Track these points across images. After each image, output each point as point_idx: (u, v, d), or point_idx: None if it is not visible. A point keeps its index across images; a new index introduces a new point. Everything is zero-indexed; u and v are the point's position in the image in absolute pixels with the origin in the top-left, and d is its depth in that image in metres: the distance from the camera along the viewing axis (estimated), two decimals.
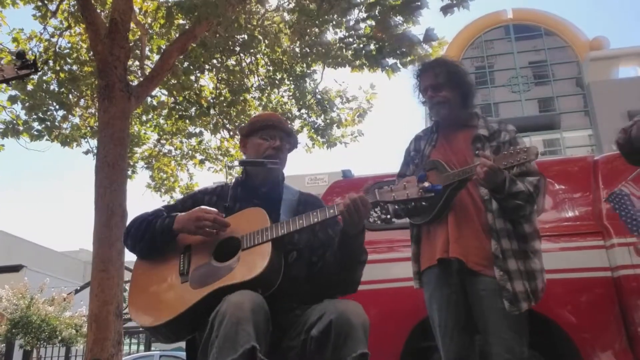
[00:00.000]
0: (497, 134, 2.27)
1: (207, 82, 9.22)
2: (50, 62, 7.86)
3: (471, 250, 2.12)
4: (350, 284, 1.89)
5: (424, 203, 1.75)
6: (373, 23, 7.24)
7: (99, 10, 7.17)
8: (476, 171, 2.04)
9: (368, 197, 1.74)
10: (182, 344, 1.89)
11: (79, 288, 19.49)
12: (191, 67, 8.42)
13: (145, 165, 9.75)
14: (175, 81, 8.21)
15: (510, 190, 2.06)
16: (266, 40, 8.36)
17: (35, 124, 7.94)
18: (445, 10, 6.03)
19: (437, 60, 2.46)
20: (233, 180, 2.12)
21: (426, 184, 1.65)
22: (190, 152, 9.88)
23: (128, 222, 2.04)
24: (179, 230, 1.84)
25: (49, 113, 8.07)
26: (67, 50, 8.28)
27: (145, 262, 1.94)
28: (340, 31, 7.63)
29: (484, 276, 2.09)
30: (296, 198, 2.02)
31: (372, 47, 7.25)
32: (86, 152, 8.85)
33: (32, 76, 1.77)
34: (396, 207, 2.24)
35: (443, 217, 2.21)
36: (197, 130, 9.51)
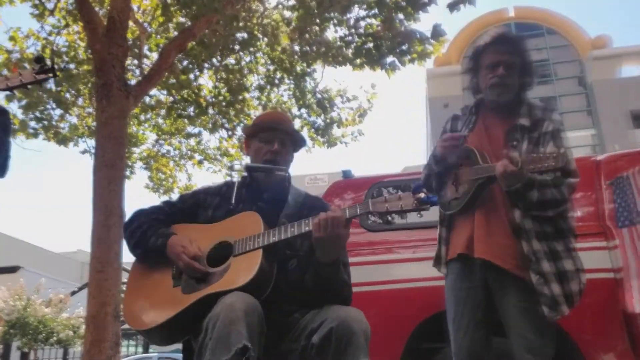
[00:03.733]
0: (540, 123, 2.11)
1: (206, 81, 9.23)
2: (48, 61, 7.82)
3: (500, 249, 2.03)
4: (340, 301, 1.77)
5: (420, 214, 1.70)
6: (374, 21, 7.21)
7: (97, 9, 7.15)
8: (496, 169, 1.95)
9: (360, 208, 1.67)
10: (180, 346, 1.89)
11: (76, 289, 19.51)
12: (190, 66, 8.40)
13: (144, 166, 9.75)
14: (174, 80, 8.19)
15: (522, 194, 1.96)
16: (265, 39, 8.33)
17: (32, 123, 7.93)
18: (452, 6, 5.98)
19: (518, 39, 2.23)
20: (238, 179, 2.08)
21: (421, 195, 1.61)
22: (189, 152, 9.89)
23: (127, 219, 2.02)
24: (168, 254, 1.82)
25: (46, 112, 8.06)
26: (65, 49, 8.27)
27: (140, 265, 1.95)
28: (341, 29, 7.61)
29: (510, 274, 2.01)
30: (301, 201, 1.99)
31: (371, 45, 7.22)
32: (83, 152, 8.87)
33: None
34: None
35: (472, 211, 2.11)
36: (196, 130, 9.53)
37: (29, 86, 1.80)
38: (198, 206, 1.99)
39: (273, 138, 1.97)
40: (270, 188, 1.98)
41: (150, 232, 1.87)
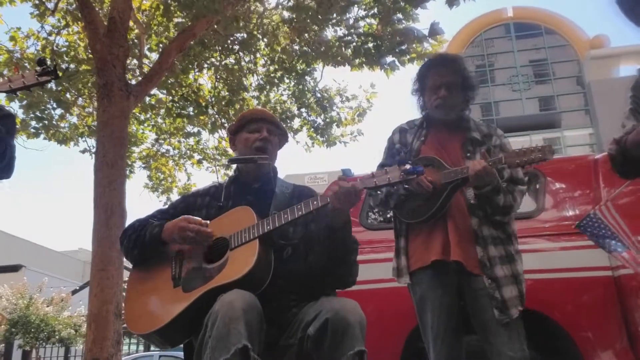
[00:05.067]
0: (488, 137, 2.27)
1: (205, 80, 9.22)
2: (48, 61, 7.83)
3: (469, 254, 2.10)
4: (347, 278, 1.86)
5: (406, 186, 1.74)
6: (373, 21, 7.23)
7: (97, 9, 7.15)
8: (470, 167, 2.03)
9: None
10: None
11: (78, 288, 19.50)
12: (190, 66, 8.40)
13: (143, 165, 9.74)
14: (173, 80, 8.20)
15: (491, 198, 2.06)
16: (265, 39, 8.34)
17: (33, 122, 7.94)
18: (451, 2, 5.98)
19: (457, 58, 2.35)
20: (226, 179, 2.11)
21: (407, 167, 1.64)
22: (188, 152, 9.87)
23: (124, 227, 2.05)
24: (167, 240, 1.84)
25: (46, 112, 8.07)
26: (65, 49, 8.26)
27: (139, 269, 1.96)
28: (340, 29, 7.62)
29: (482, 277, 2.08)
30: (289, 191, 2.02)
31: (370, 45, 7.23)
32: (83, 151, 8.87)
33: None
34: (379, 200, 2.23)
35: (439, 218, 2.16)
36: (195, 129, 9.51)
37: (31, 88, 1.83)
38: (189, 210, 2.00)
39: (261, 127, 2.01)
40: (256, 180, 2.01)
41: (145, 230, 1.89)
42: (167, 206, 2.13)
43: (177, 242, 1.82)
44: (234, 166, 2.14)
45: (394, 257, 2.36)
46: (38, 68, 1.75)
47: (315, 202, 1.73)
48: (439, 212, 2.15)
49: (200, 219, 1.81)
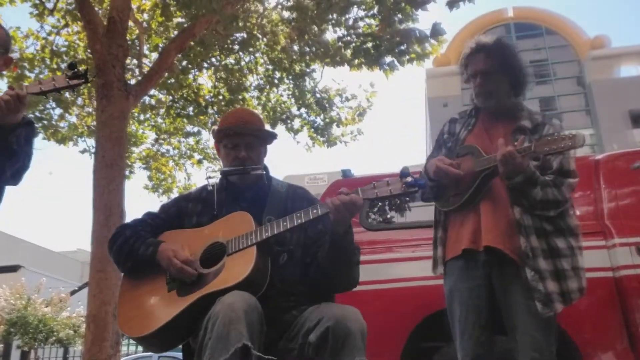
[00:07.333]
0: (541, 126, 2.14)
1: (205, 80, 9.22)
2: (47, 60, 7.85)
3: (507, 239, 2.01)
4: (348, 282, 1.86)
5: (408, 199, 1.72)
6: (373, 21, 7.23)
7: (96, 9, 7.15)
8: (498, 152, 1.95)
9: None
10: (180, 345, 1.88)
11: (76, 288, 19.49)
12: (189, 66, 8.40)
13: (143, 166, 9.73)
14: (173, 80, 8.20)
15: (525, 191, 1.96)
16: (265, 39, 8.34)
17: None
18: (452, 4, 5.96)
19: (493, 42, 2.24)
20: (215, 183, 2.05)
21: (409, 179, 1.62)
22: (188, 151, 9.87)
23: (111, 235, 1.98)
24: (159, 262, 1.81)
25: (45, 112, 8.07)
26: (64, 49, 8.26)
27: (131, 275, 1.93)
28: (340, 30, 7.62)
29: (514, 268, 2.00)
30: (284, 193, 1.99)
31: (369, 45, 7.22)
32: (83, 152, 8.87)
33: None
34: (420, 192, 2.12)
35: (475, 205, 2.10)
36: (195, 129, 9.51)
37: (62, 91, 1.83)
38: (181, 215, 1.98)
39: (239, 143, 1.94)
40: (248, 187, 1.98)
41: (138, 243, 1.86)
42: (158, 210, 2.07)
43: (164, 267, 1.80)
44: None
45: (432, 248, 2.31)
46: (69, 72, 1.75)
47: (315, 211, 1.71)
48: (472, 200, 2.10)
49: (187, 256, 1.78)
